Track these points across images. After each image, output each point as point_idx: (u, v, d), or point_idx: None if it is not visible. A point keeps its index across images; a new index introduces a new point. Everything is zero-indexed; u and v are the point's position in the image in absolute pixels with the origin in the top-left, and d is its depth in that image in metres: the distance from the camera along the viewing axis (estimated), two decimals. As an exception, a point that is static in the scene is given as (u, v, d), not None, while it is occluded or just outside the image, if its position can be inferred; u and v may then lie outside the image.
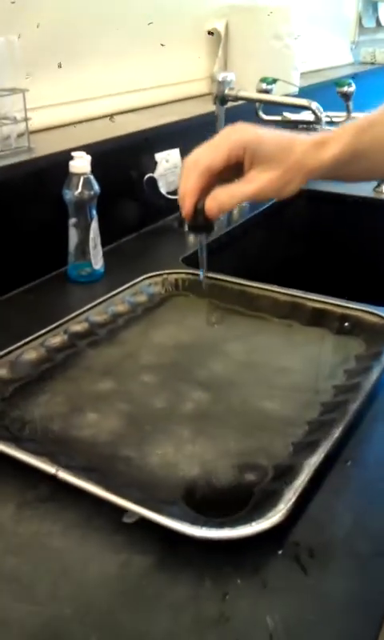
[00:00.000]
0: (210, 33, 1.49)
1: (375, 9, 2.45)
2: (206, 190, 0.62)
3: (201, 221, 0.62)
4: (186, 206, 0.62)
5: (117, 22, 1.20)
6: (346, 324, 0.82)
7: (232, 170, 0.63)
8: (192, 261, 1.04)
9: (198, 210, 0.61)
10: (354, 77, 1.94)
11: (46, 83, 1.07)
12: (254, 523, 0.49)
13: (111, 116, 1.04)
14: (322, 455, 0.56)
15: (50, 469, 0.54)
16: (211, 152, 0.61)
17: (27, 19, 1.01)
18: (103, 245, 0.97)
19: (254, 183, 0.61)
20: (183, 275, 0.94)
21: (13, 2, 0.96)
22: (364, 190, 1.44)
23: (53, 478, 0.54)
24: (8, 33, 0.93)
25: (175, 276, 0.94)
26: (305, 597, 0.48)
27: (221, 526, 0.49)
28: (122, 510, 0.52)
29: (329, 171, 0.63)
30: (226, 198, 0.61)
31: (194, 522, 0.50)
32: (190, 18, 1.42)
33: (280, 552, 0.50)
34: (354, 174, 0.65)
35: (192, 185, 0.61)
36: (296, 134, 0.64)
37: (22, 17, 1.00)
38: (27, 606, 0.47)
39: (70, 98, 1.14)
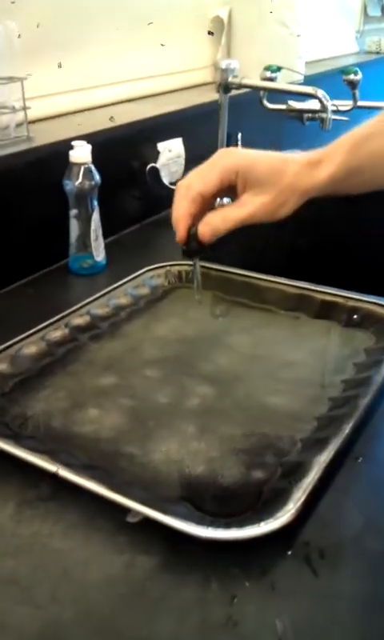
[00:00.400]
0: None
1: (380, -3, 2.42)
2: (199, 215, 0.61)
3: (194, 246, 0.62)
4: (180, 231, 0.62)
5: (118, 9, 1.18)
6: (355, 316, 0.80)
7: (225, 192, 0.62)
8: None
9: (192, 235, 0.61)
10: (358, 66, 1.91)
11: (46, 71, 1.05)
12: (262, 523, 0.47)
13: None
14: (332, 452, 0.54)
15: (50, 467, 0.53)
16: (203, 177, 0.60)
17: (27, 6, 0.99)
18: (105, 236, 0.95)
19: (247, 207, 0.61)
20: (186, 267, 0.92)
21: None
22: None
23: (54, 477, 0.53)
24: (6, 19, 0.91)
25: (178, 268, 0.92)
26: (315, 599, 0.46)
27: (228, 526, 0.48)
28: (126, 510, 0.50)
29: (324, 190, 0.62)
30: (218, 222, 0.61)
31: (199, 521, 0.48)
32: (192, 5, 1.40)
33: (289, 553, 0.49)
34: (351, 188, 0.65)
35: (184, 210, 0.61)
36: (289, 154, 0.63)
37: (22, 4, 0.98)
38: (27, 609, 0.45)
39: (70, 87, 1.12)
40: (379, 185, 0.65)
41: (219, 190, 0.61)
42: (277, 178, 0.60)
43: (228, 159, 0.61)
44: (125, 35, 1.21)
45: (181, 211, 0.61)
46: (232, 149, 0.66)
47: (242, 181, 0.60)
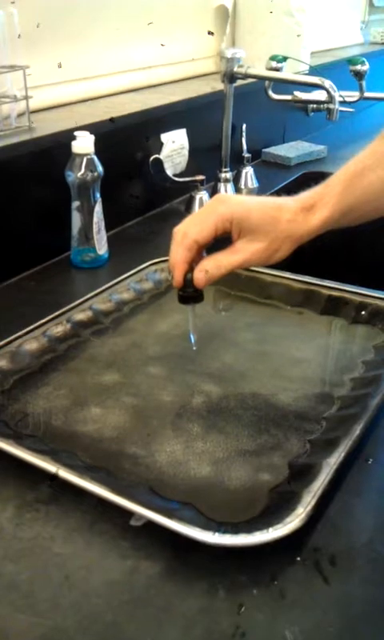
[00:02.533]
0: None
1: (386, -13, 2.39)
2: (195, 261, 0.63)
3: (190, 292, 0.64)
4: (176, 277, 0.64)
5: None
6: (363, 312, 0.78)
7: (220, 237, 0.64)
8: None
9: (187, 280, 0.63)
10: (363, 57, 1.89)
11: (48, 61, 1.03)
12: (271, 529, 0.45)
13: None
14: (342, 454, 0.53)
15: (51, 468, 0.51)
16: (198, 225, 0.62)
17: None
18: (107, 229, 0.93)
19: (241, 254, 0.62)
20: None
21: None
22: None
23: (53, 479, 0.51)
24: (8, 7, 0.89)
25: (183, 262, 0.90)
26: (326, 608, 0.44)
27: (235, 531, 0.46)
28: (129, 513, 0.48)
29: (318, 232, 0.64)
30: (213, 269, 0.63)
31: (206, 527, 0.46)
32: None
33: (298, 559, 0.47)
34: (345, 224, 0.66)
35: (181, 257, 0.62)
36: (283, 199, 0.64)
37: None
38: (27, 616, 0.43)
39: (73, 77, 1.10)
40: (371, 217, 0.67)
41: (214, 236, 0.62)
42: (271, 226, 0.62)
43: (223, 208, 0.62)
44: (128, 24, 1.19)
45: (177, 258, 0.63)
46: (227, 196, 0.69)
47: (236, 228, 0.62)
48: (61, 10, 1.04)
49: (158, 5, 1.25)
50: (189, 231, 0.62)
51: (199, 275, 0.63)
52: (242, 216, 0.61)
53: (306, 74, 1.44)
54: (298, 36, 1.49)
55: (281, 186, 1.30)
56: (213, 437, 0.58)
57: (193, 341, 0.71)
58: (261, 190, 1.26)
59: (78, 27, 1.08)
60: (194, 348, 0.71)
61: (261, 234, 0.62)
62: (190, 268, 0.63)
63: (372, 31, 2.32)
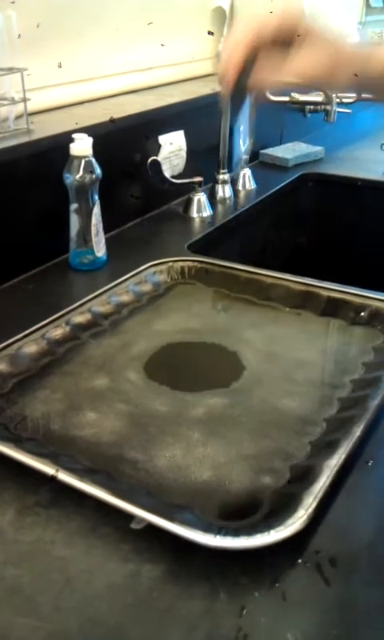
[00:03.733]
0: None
1: (383, -12, 2.39)
2: (250, 62, 0.56)
3: (239, 93, 0.58)
4: (229, 77, 0.56)
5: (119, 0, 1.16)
6: (363, 314, 0.78)
7: (278, 45, 0.57)
8: (198, 247, 1.01)
9: (240, 82, 0.56)
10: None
11: (46, 63, 1.02)
12: (272, 531, 0.45)
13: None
14: (343, 456, 0.53)
15: (51, 471, 0.51)
16: (262, 20, 0.56)
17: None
18: (105, 231, 0.93)
19: (302, 62, 0.56)
20: (189, 263, 0.90)
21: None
22: (374, 173, 1.40)
23: (54, 480, 0.51)
24: (7, 9, 0.89)
25: (181, 264, 0.90)
26: (328, 610, 0.44)
27: (236, 534, 0.46)
28: (130, 516, 0.48)
29: (379, 75, 0.57)
30: (272, 74, 0.56)
31: (207, 529, 0.46)
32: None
33: (300, 561, 0.47)
34: None
35: (239, 53, 0.55)
36: None
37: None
38: (29, 620, 0.43)
39: (71, 79, 1.10)
40: None
41: (276, 35, 0.55)
42: (337, 41, 0.56)
43: (289, 10, 0.56)
44: (126, 26, 1.19)
45: (234, 54, 0.55)
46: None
47: (302, 30, 0.55)
48: (60, 11, 1.03)
49: (156, 6, 1.24)
50: (249, 26, 0.55)
51: (256, 79, 0.55)
52: (309, 21, 0.55)
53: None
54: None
55: (279, 187, 1.30)
56: (213, 441, 0.58)
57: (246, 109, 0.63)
58: (258, 193, 1.26)
59: (78, 28, 1.08)
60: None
61: (325, 45, 0.55)
62: (244, 71, 0.55)
63: (369, 32, 2.32)
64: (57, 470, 0.51)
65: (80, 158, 0.87)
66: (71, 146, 0.86)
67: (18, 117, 0.93)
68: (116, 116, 1.03)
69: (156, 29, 1.26)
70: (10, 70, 0.89)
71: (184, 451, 0.57)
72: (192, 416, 0.61)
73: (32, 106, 0.95)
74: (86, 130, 0.90)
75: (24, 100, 0.92)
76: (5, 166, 0.85)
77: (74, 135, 0.86)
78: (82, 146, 0.86)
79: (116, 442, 0.58)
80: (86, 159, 0.87)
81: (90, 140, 0.87)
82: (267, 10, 1.32)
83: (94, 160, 0.87)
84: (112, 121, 0.99)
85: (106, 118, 1.01)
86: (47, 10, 1.01)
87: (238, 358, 0.71)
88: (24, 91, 0.91)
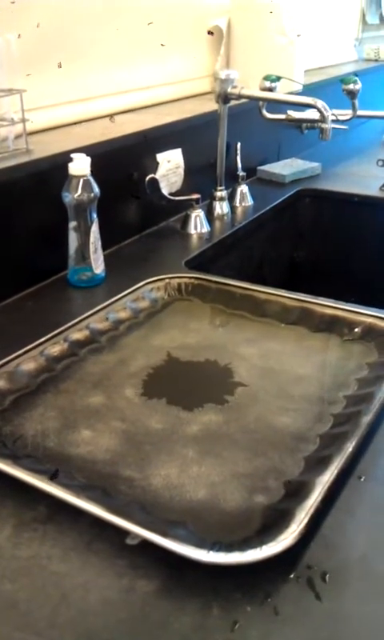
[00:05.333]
0: (209, 32, 1.46)
1: (379, 5, 2.42)
2: None
3: None
4: None
5: (117, 20, 1.18)
6: (357, 330, 0.79)
7: None
8: (195, 264, 1.02)
9: None
10: (357, 73, 1.91)
11: (45, 83, 1.04)
12: (264, 547, 0.46)
13: (111, 116, 1.01)
14: (335, 471, 0.54)
15: (48, 488, 0.52)
16: None
17: (27, 18, 0.99)
18: (104, 248, 0.95)
19: None
20: (186, 279, 0.91)
21: (13, 2, 0.93)
22: (371, 188, 1.42)
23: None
24: (7, 32, 0.90)
25: (178, 280, 0.91)
26: (319, 624, 0.45)
27: (229, 549, 0.47)
28: (125, 532, 0.49)
29: None
30: None
31: (200, 545, 0.47)
32: (191, 15, 1.39)
33: (292, 576, 0.48)
34: None
35: None
36: None
37: (22, 16, 0.98)
38: (25, 634, 0.44)
39: (69, 98, 1.11)
40: None
41: None
42: None
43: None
44: (124, 46, 1.21)
45: None
46: None
47: None
48: (59, 33, 1.05)
49: (154, 26, 1.27)
50: None
51: None
52: None
53: (300, 93, 1.46)
54: (291, 55, 1.51)
55: (276, 203, 1.32)
56: (208, 460, 0.59)
57: None
58: (256, 210, 1.27)
59: (76, 48, 1.10)
60: None
61: None
62: None
63: (365, 48, 2.35)
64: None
65: (78, 177, 0.88)
66: (70, 165, 0.88)
67: (18, 136, 0.95)
68: (114, 135, 1.05)
69: (154, 47, 1.29)
70: (10, 92, 0.91)
71: (179, 470, 0.57)
72: (187, 433, 0.62)
73: (31, 125, 0.96)
74: (84, 149, 0.91)
75: (23, 121, 0.93)
76: (5, 186, 0.86)
77: (72, 155, 0.88)
78: (80, 165, 0.88)
79: (111, 459, 0.58)
80: (85, 178, 0.88)
81: (88, 159, 0.88)
82: (261, 30, 1.34)
83: (92, 179, 0.89)
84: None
85: (104, 138, 1.03)
86: (47, 32, 1.03)
87: (234, 374, 0.72)
88: (23, 112, 0.93)
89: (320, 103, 1.07)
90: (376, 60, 2.32)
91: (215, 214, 1.23)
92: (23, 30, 0.96)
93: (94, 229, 0.91)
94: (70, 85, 1.10)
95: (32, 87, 0.95)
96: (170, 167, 1.16)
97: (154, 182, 1.09)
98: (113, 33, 1.17)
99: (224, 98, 1.15)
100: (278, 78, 1.24)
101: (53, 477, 0.53)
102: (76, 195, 0.88)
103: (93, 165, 0.89)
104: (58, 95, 1.09)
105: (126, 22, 1.20)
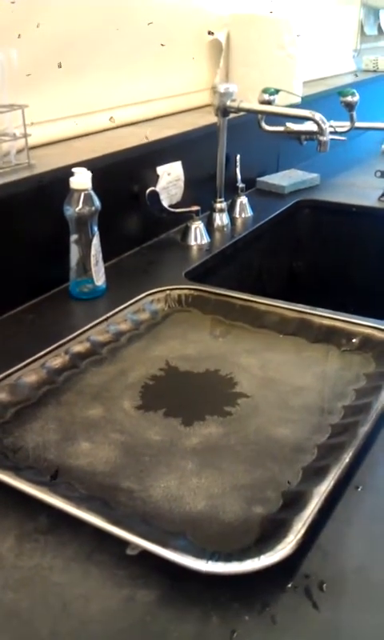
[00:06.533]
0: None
1: (377, 16, 2.44)
2: None
3: None
4: None
5: (117, 34, 1.19)
6: (355, 340, 0.80)
7: None
8: (195, 275, 1.03)
9: None
10: (355, 84, 1.93)
11: (46, 97, 1.06)
12: (262, 557, 0.47)
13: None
14: (332, 482, 0.54)
15: (49, 499, 0.53)
16: None
17: (27, 35, 1.00)
18: (105, 260, 0.96)
19: None
20: (186, 291, 0.92)
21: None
22: (369, 199, 1.43)
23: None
24: (8, 48, 0.92)
25: (178, 292, 0.92)
26: (317, 633, 0.45)
27: (228, 559, 0.47)
28: (125, 543, 0.50)
29: None
30: None
31: (199, 555, 0.48)
32: (190, 28, 1.41)
33: (289, 585, 0.48)
34: None
35: None
36: None
37: (23, 32, 0.99)
38: (27, 644, 0.45)
39: (70, 112, 1.13)
40: None
41: None
42: None
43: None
44: (124, 60, 1.23)
45: None
46: None
47: None
48: (61, 47, 1.07)
49: (153, 40, 1.28)
50: None
51: None
52: None
53: (299, 106, 1.48)
54: (290, 68, 1.53)
55: (275, 214, 1.33)
56: (208, 472, 0.59)
57: None
58: (255, 221, 1.29)
59: (78, 64, 1.11)
60: None
61: None
62: None
63: (364, 59, 2.37)
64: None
65: (80, 191, 0.89)
66: (71, 179, 0.89)
67: (19, 151, 0.96)
68: (115, 149, 1.06)
69: (154, 62, 1.30)
70: (11, 107, 0.93)
71: (178, 482, 0.58)
72: (186, 446, 0.63)
73: (33, 140, 0.98)
74: (85, 163, 0.93)
75: (25, 136, 0.95)
76: (7, 200, 0.87)
77: (73, 169, 0.89)
78: (81, 179, 0.89)
79: (111, 471, 0.59)
80: (86, 192, 0.90)
81: (89, 174, 0.89)
82: (259, 43, 1.35)
83: (93, 193, 0.90)
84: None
85: (106, 151, 1.04)
86: (49, 46, 1.05)
87: (236, 385, 0.73)
88: (25, 127, 0.94)
89: (318, 116, 1.08)
90: (374, 71, 2.34)
91: (215, 225, 1.24)
92: (24, 45, 0.97)
93: (95, 241, 0.93)
94: (71, 99, 1.12)
95: (33, 102, 0.96)
96: (170, 180, 1.17)
97: (155, 195, 1.10)
98: (113, 47, 1.19)
99: (223, 111, 1.17)
100: (277, 91, 1.26)
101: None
102: (77, 209, 0.90)
103: (94, 178, 0.90)
104: (58, 110, 1.10)
105: (126, 37, 1.21)
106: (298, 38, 1.52)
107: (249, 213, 1.31)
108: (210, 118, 1.25)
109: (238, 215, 1.30)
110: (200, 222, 1.17)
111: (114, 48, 1.20)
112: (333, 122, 1.29)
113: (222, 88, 1.15)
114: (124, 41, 1.21)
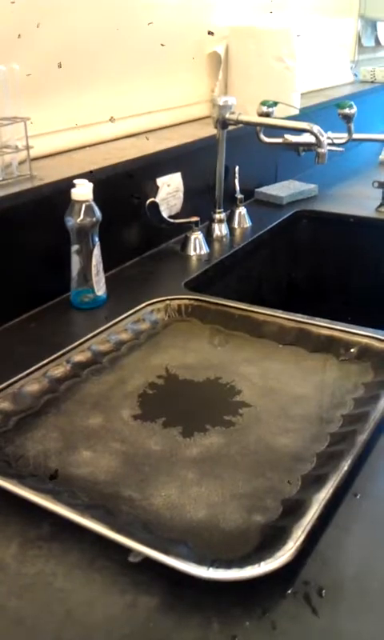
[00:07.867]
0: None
1: (374, 28, 2.47)
2: None
3: None
4: None
5: (118, 47, 1.21)
6: (353, 350, 0.81)
7: None
8: (195, 285, 1.04)
9: None
10: (353, 95, 1.95)
11: (47, 110, 1.07)
12: (263, 563, 0.48)
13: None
14: (331, 489, 0.55)
15: (53, 507, 0.53)
16: None
17: (29, 48, 1.02)
18: (106, 270, 0.97)
19: None
20: (186, 301, 0.93)
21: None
22: (367, 209, 1.44)
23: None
24: (10, 61, 0.93)
25: (178, 302, 0.93)
26: (316, 639, 0.46)
27: (228, 566, 0.48)
28: (127, 550, 0.50)
29: None
30: None
31: (200, 562, 0.48)
32: (190, 41, 1.43)
33: (289, 592, 0.49)
34: None
35: None
36: None
37: (24, 45, 1.01)
38: (31, 650, 0.46)
39: (71, 124, 1.14)
40: None
41: None
42: None
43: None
44: (125, 73, 1.24)
45: None
46: None
47: None
48: (63, 59, 1.09)
49: (153, 54, 1.30)
50: None
51: None
52: None
53: (297, 117, 1.49)
54: (288, 80, 1.55)
55: (273, 224, 1.34)
56: (207, 481, 0.60)
57: None
58: (254, 231, 1.30)
59: (78, 72, 1.13)
60: None
61: None
62: None
63: (361, 70, 2.39)
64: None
65: (81, 202, 0.91)
66: (72, 191, 0.90)
67: (21, 162, 0.97)
68: (116, 161, 1.07)
69: (154, 74, 1.32)
70: (14, 120, 0.94)
71: (179, 490, 0.59)
72: (186, 455, 0.64)
73: (34, 151, 0.99)
74: (86, 174, 0.94)
75: (27, 148, 0.96)
76: (9, 211, 0.89)
77: (75, 181, 0.90)
78: (82, 191, 0.90)
79: (112, 480, 0.60)
80: (87, 203, 0.91)
81: (90, 185, 0.91)
82: (258, 55, 1.36)
83: (94, 204, 0.91)
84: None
85: (106, 163, 1.05)
86: (50, 60, 1.06)
87: (237, 394, 0.74)
88: (27, 139, 0.95)
89: (316, 128, 1.09)
90: (372, 82, 2.37)
91: (214, 235, 1.25)
92: (26, 58, 0.99)
93: (96, 252, 0.94)
94: (72, 111, 1.13)
95: (35, 114, 0.97)
96: (169, 191, 1.18)
97: (155, 206, 1.12)
98: (113, 60, 1.21)
99: (222, 123, 1.18)
100: (275, 103, 1.27)
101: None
102: (78, 220, 0.91)
103: (94, 189, 0.91)
104: (60, 122, 1.12)
105: (126, 50, 1.23)
106: (295, 50, 1.54)
107: (247, 223, 1.32)
108: (209, 130, 1.27)
109: (236, 226, 1.32)
110: (199, 232, 1.18)
111: (115, 58, 1.21)
112: (330, 134, 1.31)
113: (221, 100, 1.17)
114: (125, 51, 1.23)
